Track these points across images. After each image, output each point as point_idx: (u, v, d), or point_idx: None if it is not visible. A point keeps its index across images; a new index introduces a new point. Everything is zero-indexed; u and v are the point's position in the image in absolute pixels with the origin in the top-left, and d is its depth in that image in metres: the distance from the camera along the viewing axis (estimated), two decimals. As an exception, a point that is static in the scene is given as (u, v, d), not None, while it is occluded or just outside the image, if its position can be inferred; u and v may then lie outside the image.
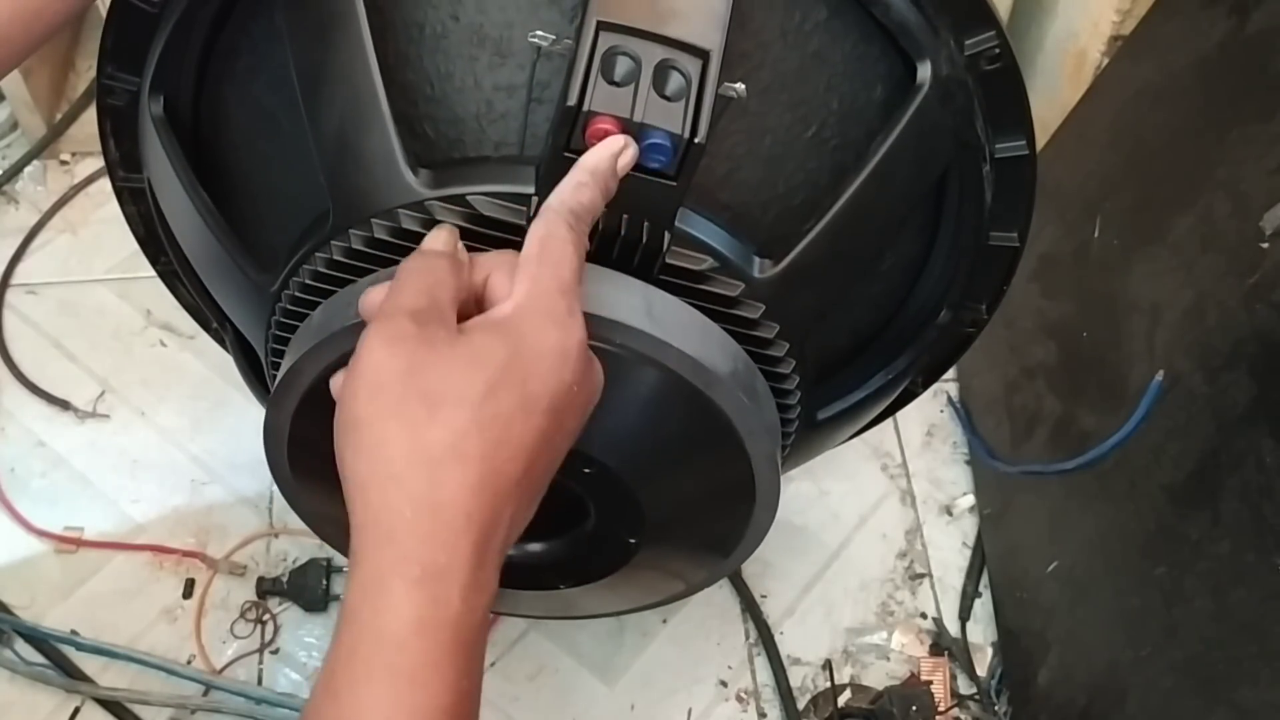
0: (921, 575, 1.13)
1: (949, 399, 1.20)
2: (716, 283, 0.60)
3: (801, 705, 1.04)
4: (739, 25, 0.57)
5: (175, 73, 0.66)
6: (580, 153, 0.53)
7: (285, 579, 1.06)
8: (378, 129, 0.58)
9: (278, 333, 0.65)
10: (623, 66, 0.53)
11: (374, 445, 0.46)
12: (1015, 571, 1.07)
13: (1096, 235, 1.00)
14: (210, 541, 1.09)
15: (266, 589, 1.06)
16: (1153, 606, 0.84)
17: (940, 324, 0.73)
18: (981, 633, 1.10)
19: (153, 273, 0.82)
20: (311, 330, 0.60)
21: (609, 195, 0.52)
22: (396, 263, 0.58)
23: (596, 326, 0.55)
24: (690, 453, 0.64)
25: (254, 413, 0.66)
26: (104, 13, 0.65)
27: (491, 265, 0.51)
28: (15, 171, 1.33)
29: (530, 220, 0.57)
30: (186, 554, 1.08)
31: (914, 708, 1.00)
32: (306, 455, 0.65)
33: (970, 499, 1.17)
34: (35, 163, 1.34)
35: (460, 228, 0.57)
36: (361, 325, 0.57)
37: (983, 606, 1.11)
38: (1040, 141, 0.66)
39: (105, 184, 1.31)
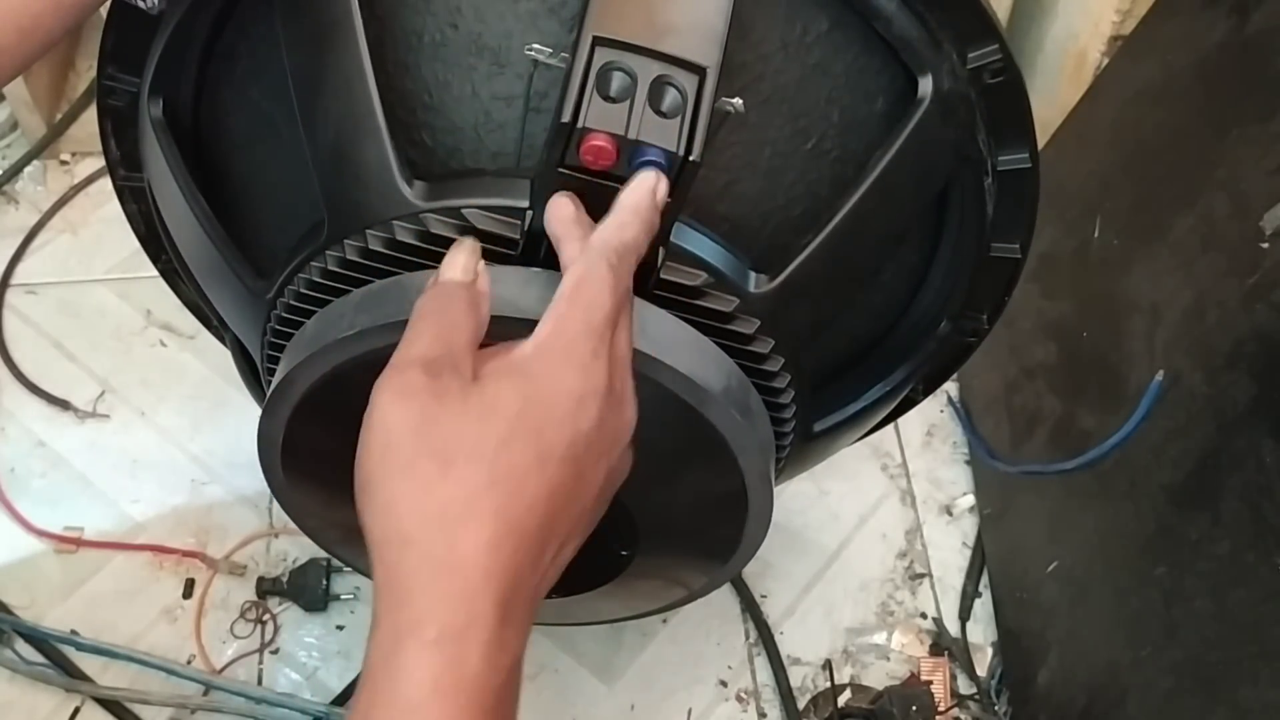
0: (921, 575, 1.13)
1: (949, 399, 1.20)
2: (711, 298, 0.60)
3: (801, 705, 1.04)
4: (739, 36, 0.57)
5: (175, 75, 0.66)
6: (574, 168, 0.53)
7: (285, 579, 1.06)
8: (373, 140, 0.58)
9: (273, 340, 0.65)
10: (618, 82, 0.53)
11: (386, 505, 0.45)
12: (1015, 571, 1.07)
13: (1096, 235, 1.00)
14: (210, 541, 1.09)
15: (266, 589, 1.06)
16: (1153, 606, 0.84)
17: (940, 334, 0.73)
18: (981, 633, 1.10)
19: (153, 273, 0.82)
20: (305, 341, 0.60)
21: (653, 231, 0.51)
22: (391, 274, 0.59)
23: None
24: (683, 468, 0.64)
25: (254, 412, 0.66)
26: (103, 14, 0.65)
27: None
28: (15, 171, 1.33)
29: (524, 234, 0.57)
30: (186, 554, 1.08)
31: (914, 708, 1.00)
32: (300, 462, 0.65)
33: (970, 499, 1.17)
34: (35, 163, 1.34)
35: (453, 240, 0.57)
36: (355, 338, 0.57)
37: (983, 606, 1.11)
38: (1040, 141, 0.66)
39: (105, 184, 1.32)
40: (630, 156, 0.53)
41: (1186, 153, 0.92)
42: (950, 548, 1.15)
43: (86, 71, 1.38)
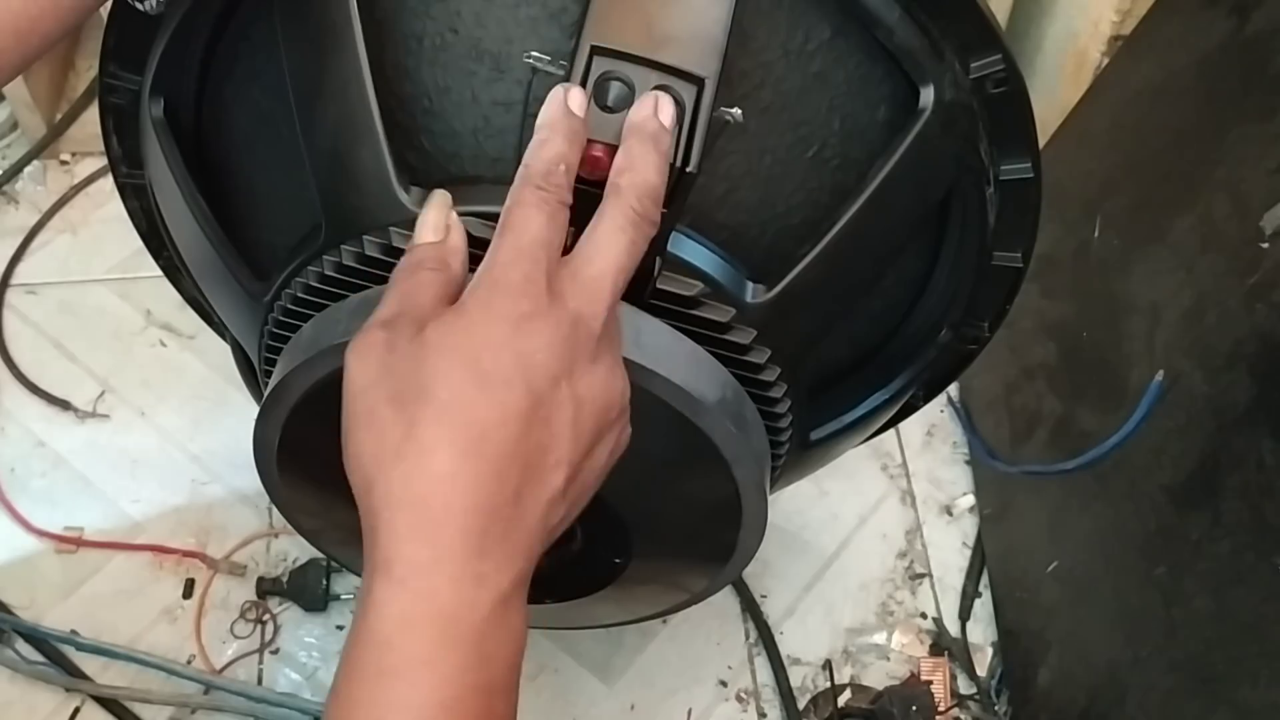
0: (921, 575, 1.13)
1: (949, 399, 1.20)
2: (707, 308, 0.59)
3: (801, 705, 1.04)
4: (740, 44, 0.57)
5: (176, 74, 0.66)
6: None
7: (285, 579, 1.06)
8: (370, 146, 0.57)
9: (270, 343, 0.65)
10: (616, 91, 0.53)
11: (354, 457, 0.46)
12: (1015, 571, 1.07)
13: (1096, 235, 1.00)
14: (210, 541, 1.09)
15: (266, 589, 1.06)
16: (1153, 606, 0.84)
17: (941, 342, 0.73)
18: (981, 633, 1.10)
19: (152, 273, 0.82)
20: (301, 345, 0.60)
21: (579, 139, 0.50)
22: (387, 279, 0.58)
23: None
24: (677, 478, 0.64)
25: (254, 412, 0.66)
26: (104, 14, 0.65)
27: None
28: (15, 171, 1.33)
29: None
30: (186, 554, 1.08)
31: (914, 708, 1.00)
32: (296, 465, 0.65)
33: (970, 499, 1.17)
34: (35, 163, 1.34)
35: None
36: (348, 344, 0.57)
37: (983, 606, 1.11)
38: (1040, 141, 0.66)
39: (105, 184, 1.33)
40: None
41: (1186, 153, 0.92)
42: (950, 548, 1.15)
43: (86, 71, 1.38)
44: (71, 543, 1.08)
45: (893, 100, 0.62)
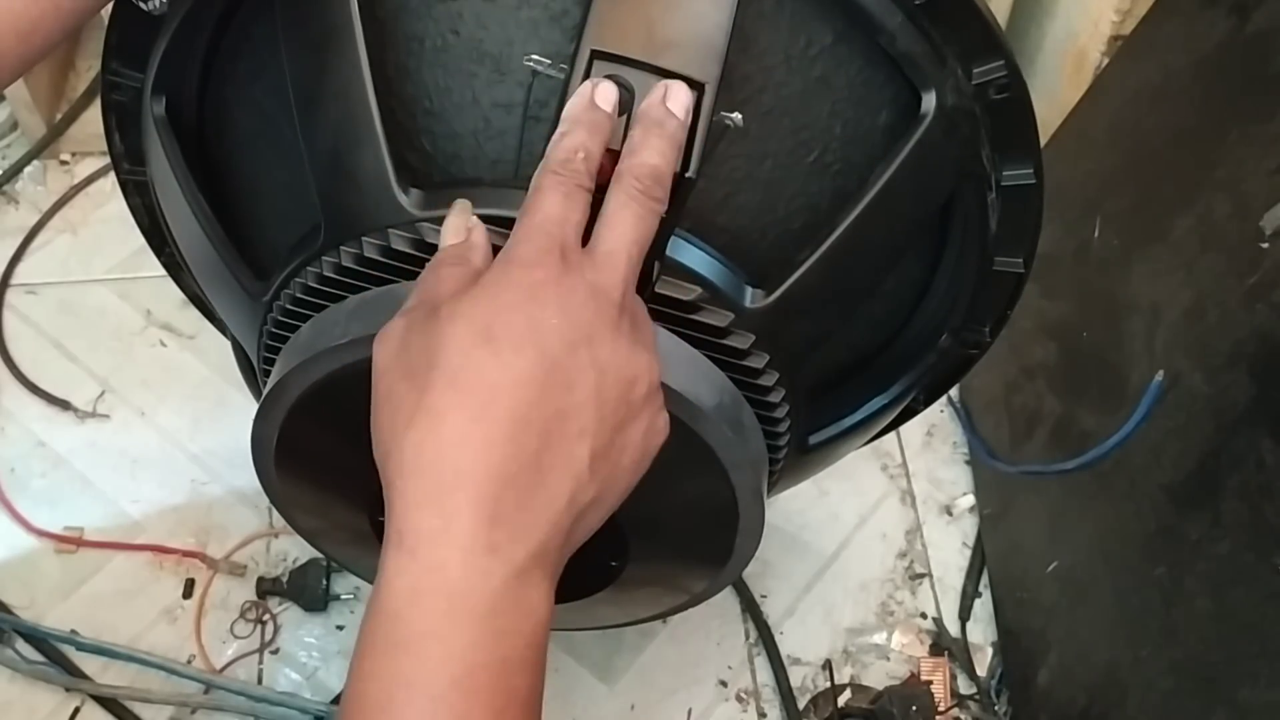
0: (921, 575, 1.13)
1: (949, 399, 1.20)
2: (706, 312, 0.59)
3: (801, 705, 1.04)
4: (742, 49, 0.56)
5: (178, 72, 0.66)
6: None
7: (285, 579, 1.06)
8: (370, 148, 0.57)
9: (269, 342, 0.65)
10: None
11: (375, 435, 0.46)
12: (1015, 571, 1.07)
13: (1096, 235, 1.00)
14: (210, 541, 1.09)
15: (266, 589, 1.06)
16: (1153, 606, 0.84)
17: (941, 347, 0.73)
18: (981, 633, 1.10)
19: (152, 273, 0.82)
20: (299, 347, 0.60)
21: (604, 133, 0.51)
22: (386, 281, 0.58)
23: None
24: (674, 482, 0.64)
25: (254, 412, 0.66)
26: (104, 15, 0.65)
27: None
28: (15, 171, 1.33)
29: None
30: (186, 554, 1.08)
31: (914, 708, 1.00)
32: (294, 465, 0.66)
33: (970, 499, 1.17)
34: (35, 163, 1.34)
35: None
36: (347, 346, 0.57)
37: (983, 606, 1.11)
38: (1040, 142, 0.66)
39: (105, 184, 1.33)
40: None
41: (1186, 153, 0.92)
42: (950, 548, 1.15)
43: (86, 71, 1.38)
44: (71, 543, 1.08)
45: (894, 105, 0.62)
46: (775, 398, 0.64)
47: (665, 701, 1.05)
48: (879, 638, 1.09)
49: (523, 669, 0.45)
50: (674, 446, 0.60)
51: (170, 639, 1.04)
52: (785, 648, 1.08)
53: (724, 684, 1.06)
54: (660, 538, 0.69)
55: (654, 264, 0.57)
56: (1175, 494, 0.84)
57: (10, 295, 1.24)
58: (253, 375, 0.79)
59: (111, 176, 1.28)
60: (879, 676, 1.07)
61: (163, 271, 0.82)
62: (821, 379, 0.71)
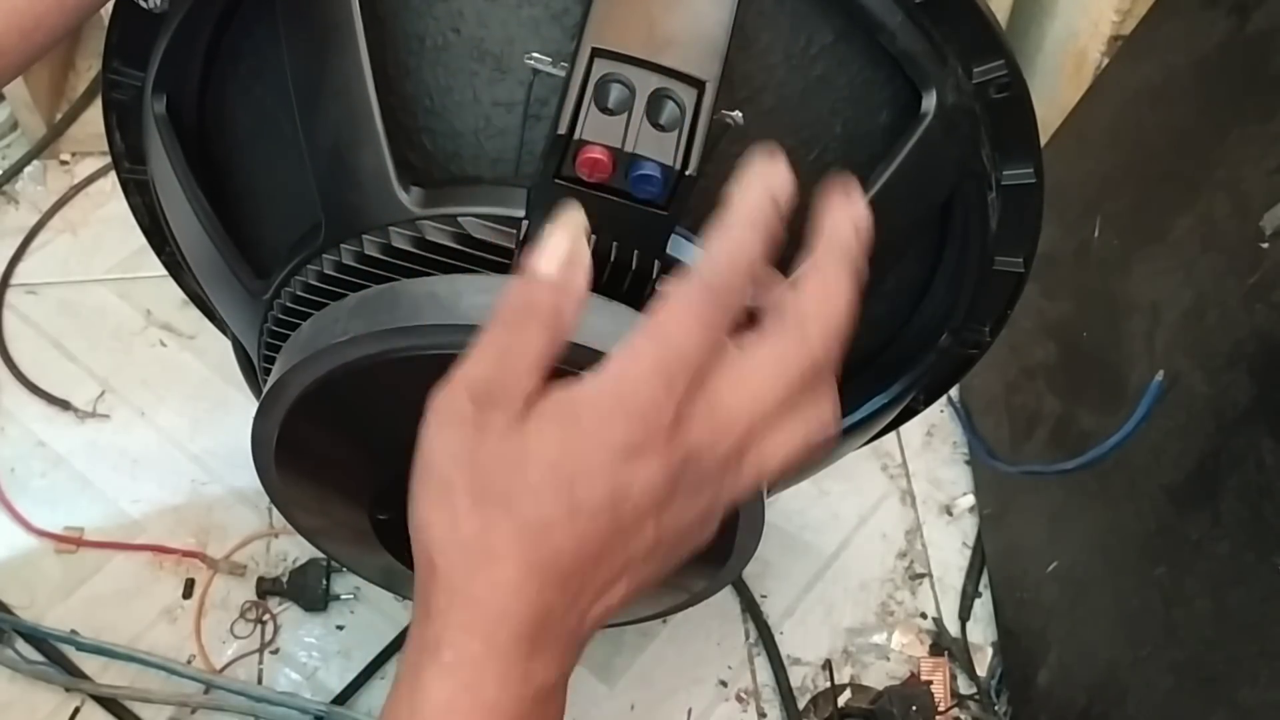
0: (921, 575, 1.13)
1: (949, 399, 1.20)
2: None
3: (801, 705, 1.04)
4: (743, 47, 0.56)
5: (179, 71, 0.66)
6: (571, 179, 0.53)
7: (285, 579, 1.06)
8: (371, 146, 0.57)
9: (269, 340, 0.65)
10: (616, 94, 0.53)
11: (421, 526, 0.45)
12: (1015, 571, 1.07)
13: (1096, 235, 1.00)
14: (210, 541, 1.09)
15: (266, 589, 1.06)
16: (1153, 606, 0.84)
17: (941, 347, 0.73)
18: (981, 633, 1.10)
19: (152, 273, 0.82)
20: (299, 345, 0.60)
21: (779, 243, 0.43)
22: (386, 279, 0.58)
23: (581, 356, 0.55)
24: None
25: (254, 412, 0.66)
26: (104, 14, 0.65)
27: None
28: (15, 171, 1.33)
29: (520, 244, 0.57)
30: (186, 554, 1.08)
31: (914, 708, 1.00)
32: (294, 463, 0.65)
33: (970, 499, 1.17)
34: (35, 163, 1.34)
35: (448, 247, 0.57)
36: (348, 344, 0.56)
37: (983, 606, 1.11)
38: (1040, 141, 0.66)
39: (105, 184, 1.33)
40: (627, 169, 0.53)
41: (1186, 153, 0.92)
42: (950, 548, 1.15)
43: (86, 71, 1.38)
44: (71, 543, 1.08)
45: (895, 104, 0.62)
46: None
47: (665, 701, 1.05)
48: (879, 638, 1.09)
49: None
50: None
51: (170, 639, 1.04)
52: (785, 648, 1.08)
53: (724, 684, 1.06)
54: None
55: (653, 263, 0.57)
56: (1175, 494, 0.84)
57: (10, 295, 1.24)
58: (253, 374, 0.79)
59: (112, 176, 1.28)
60: (879, 676, 1.07)
61: (163, 271, 0.82)
62: None
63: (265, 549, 1.10)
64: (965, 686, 1.06)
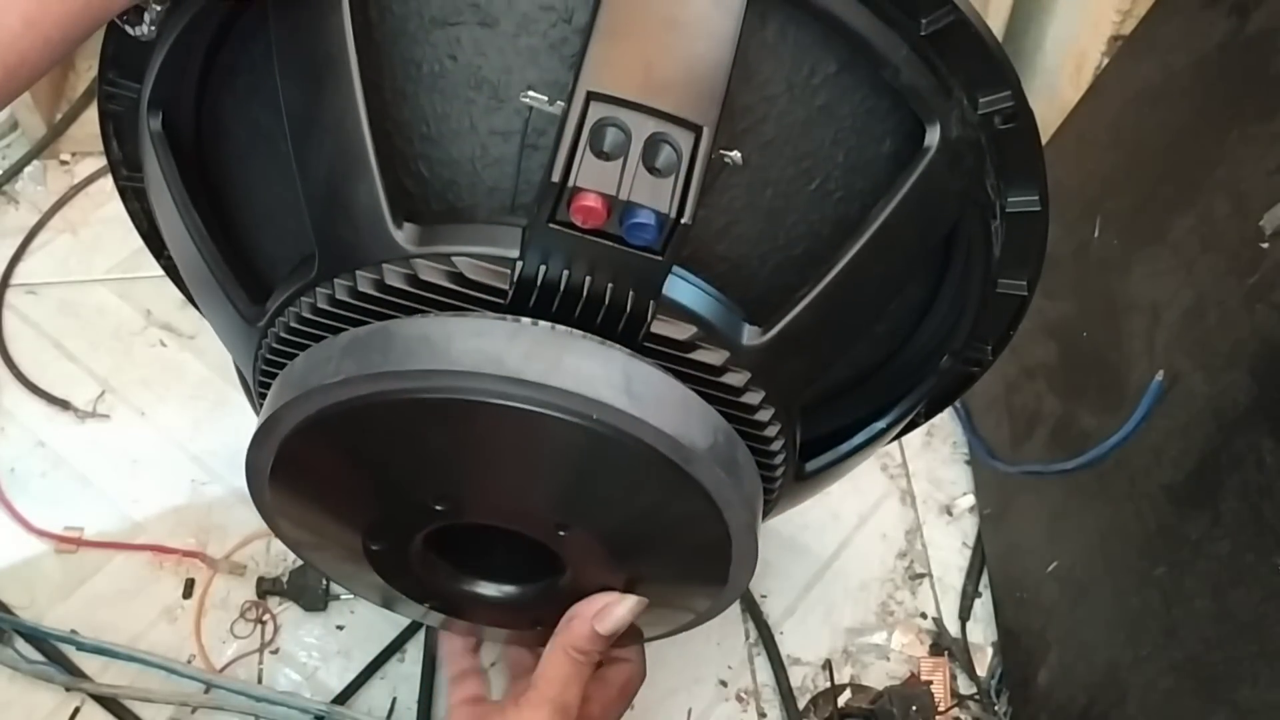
0: (921, 575, 1.13)
1: (949, 399, 1.20)
2: (701, 351, 0.59)
3: (801, 705, 1.04)
4: (744, 79, 0.56)
5: (175, 87, 0.65)
6: (566, 224, 0.53)
7: (285, 579, 1.06)
8: (365, 182, 0.57)
9: (264, 368, 0.65)
10: (612, 138, 0.52)
11: None
12: (1015, 571, 1.07)
13: (1096, 235, 1.00)
14: (210, 541, 1.09)
15: (266, 589, 1.06)
16: (1153, 606, 0.84)
17: (941, 369, 0.72)
18: (981, 633, 1.10)
19: (152, 273, 0.82)
20: (293, 380, 0.60)
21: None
22: (381, 315, 0.58)
23: (575, 403, 0.55)
24: (668, 521, 0.64)
25: (254, 412, 0.66)
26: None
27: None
28: (15, 171, 1.33)
29: (514, 283, 0.57)
30: (186, 554, 1.08)
31: (914, 708, 1.00)
32: (288, 490, 0.66)
33: (970, 499, 1.17)
34: (35, 163, 1.34)
35: (442, 286, 0.57)
36: (339, 385, 0.57)
37: (983, 606, 1.11)
38: (1046, 170, 0.65)
39: (105, 184, 1.33)
40: (622, 215, 0.53)
41: (1186, 153, 0.92)
42: (950, 548, 1.15)
43: (86, 71, 1.38)
44: (71, 543, 1.08)
45: (899, 133, 0.61)
46: (771, 433, 0.63)
47: (665, 701, 1.05)
48: (879, 638, 1.09)
49: None
50: (668, 488, 0.59)
51: (170, 639, 1.04)
52: (785, 648, 1.08)
53: (724, 684, 1.06)
54: (653, 571, 0.69)
55: (648, 304, 0.57)
56: (1175, 494, 0.84)
57: (10, 295, 1.24)
58: (249, 388, 0.79)
59: (112, 178, 1.28)
60: (879, 676, 1.07)
61: (163, 272, 0.82)
62: (818, 408, 0.71)
63: (265, 549, 1.10)
64: (965, 686, 1.06)
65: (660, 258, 0.54)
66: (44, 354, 1.20)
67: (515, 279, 0.57)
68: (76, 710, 1.00)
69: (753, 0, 0.54)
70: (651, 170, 0.52)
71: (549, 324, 0.57)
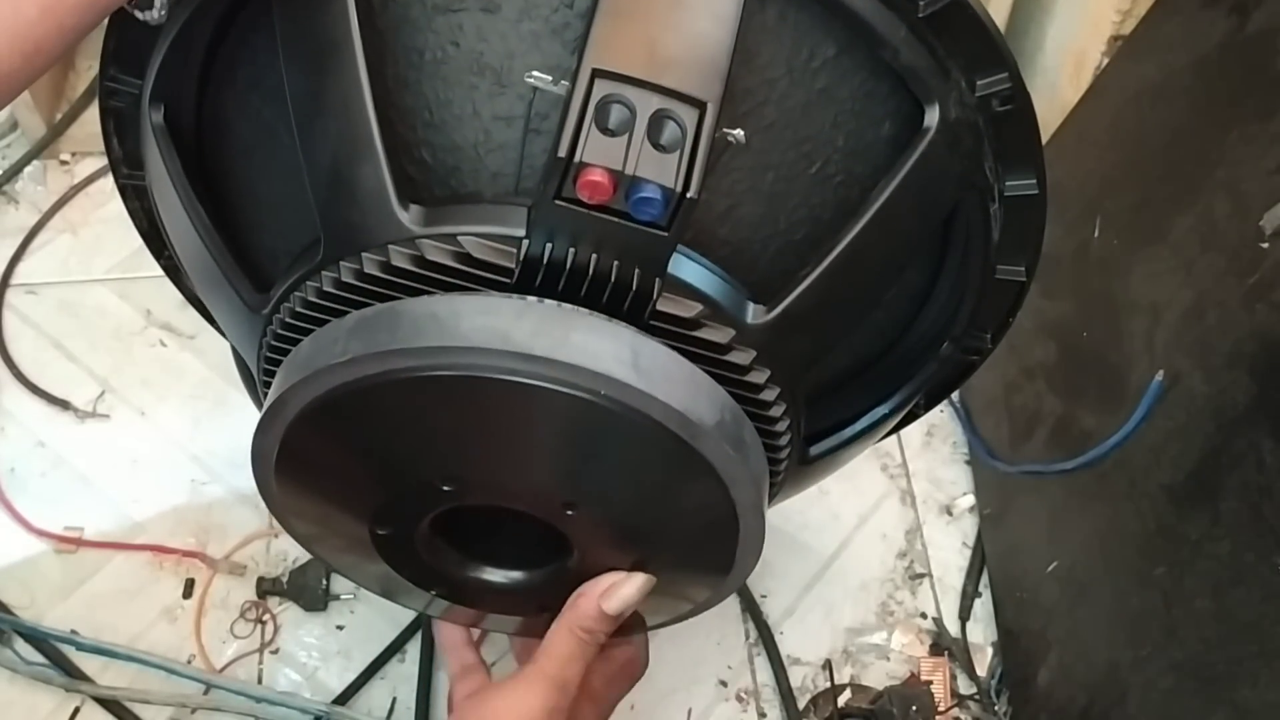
0: (921, 575, 1.13)
1: (949, 399, 1.20)
2: (707, 329, 0.59)
3: (801, 705, 1.04)
4: (744, 62, 0.56)
5: (177, 80, 0.65)
6: (572, 201, 0.53)
7: (285, 579, 1.06)
8: (370, 164, 0.57)
9: (269, 354, 0.65)
10: (617, 115, 0.52)
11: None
12: (1015, 571, 1.07)
13: (1096, 235, 1.00)
14: (210, 541, 1.09)
15: (266, 589, 1.06)
16: (1153, 606, 0.84)
17: (942, 355, 0.72)
18: (981, 633, 1.10)
19: (152, 273, 0.82)
20: (299, 363, 0.60)
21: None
22: (387, 296, 0.58)
23: (583, 378, 0.55)
24: (675, 499, 0.64)
25: (254, 413, 0.66)
26: (103, 14, 0.65)
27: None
28: (15, 171, 1.33)
29: (520, 262, 0.57)
30: (186, 554, 1.08)
31: (914, 708, 1.00)
32: (294, 478, 0.65)
33: (970, 499, 1.17)
34: (35, 163, 1.34)
35: (449, 266, 0.57)
36: (346, 365, 0.57)
37: (983, 606, 1.11)
38: (1043, 152, 0.66)
39: (105, 184, 1.33)
40: (627, 191, 0.53)
41: (1186, 153, 0.92)
42: (950, 548, 1.15)
43: (86, 71, 1.38)
44: (71, 543, 1.08)
45: (898, 116, 0.62)
46: (776, 412, 0.63)
47: (665, 701, 1.05)
48: (879, 638, 1.09)
49: None
50: (675, 464, 0.59)
51: (170, 639, 1.04)
52: (785, 648, 1.08)
53: (724, 684, 1.06)
54: (660, 552, 0.69)
55: (654, 281, 0.57)
56: (1175, 494, 0.84)
57: (10, 295, 1.24)
58: (252, 383, 0.79)
59: (112, 176, 1.28)
60: (879, 676, 1.07)
61: (163, 272, 0.82)
62: (821, 391, 0.71)
63: (265, 549, 1.10)
64: (965, 686, 1.06)
65: (666, 234, 0.54)
66: (44, 354, 1.20)
67: (521, 258, 0.57)
68: (76, 711, 1.00)
69: None
70: (657, 146, 0.53)
71: (555, 302, 0.57)
